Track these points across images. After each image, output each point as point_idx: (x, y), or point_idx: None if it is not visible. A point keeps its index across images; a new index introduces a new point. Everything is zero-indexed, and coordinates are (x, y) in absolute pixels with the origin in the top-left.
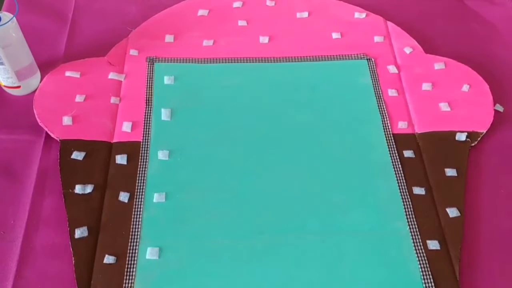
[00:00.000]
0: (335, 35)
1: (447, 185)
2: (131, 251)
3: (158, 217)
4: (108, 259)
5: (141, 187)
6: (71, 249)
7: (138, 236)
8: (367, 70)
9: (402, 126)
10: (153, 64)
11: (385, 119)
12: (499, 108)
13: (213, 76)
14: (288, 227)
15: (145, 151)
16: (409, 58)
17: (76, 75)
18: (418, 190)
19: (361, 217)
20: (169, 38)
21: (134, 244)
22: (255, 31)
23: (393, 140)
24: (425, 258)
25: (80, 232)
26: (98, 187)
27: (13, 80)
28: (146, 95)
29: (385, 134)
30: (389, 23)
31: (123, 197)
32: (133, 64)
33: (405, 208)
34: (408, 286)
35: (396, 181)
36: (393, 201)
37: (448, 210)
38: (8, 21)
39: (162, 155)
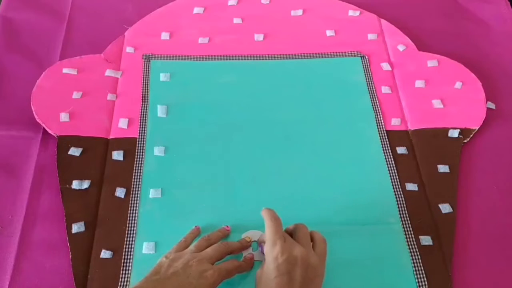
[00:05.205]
0: (329, 33)
1: (439, 181)
2: (127, 246)
3: (154, 213)
4: (105, 253)
5: (137, 183)
6: (68, 244)
7: (134, 231)
8: (361, 67)
9: (395, 123)
10: (149, 61)
11: (379, 116)
12: (491, 105)
13: (209, 73)
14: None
15: (141, 147)
16: (402, 56)
17: (73, 72)
18: (411, 186)
19: (354, 213)
20: (165, 36)
21: (131, 239)
22: (250, 28)
23: (386, 137)
24: (418, 253)
25: (77, 227)
26: (95, 183)
27: None
28: (142, 92)
29: (378, 131)
30: (383, 21)
31: (120, 192)
32: (130, 61)
33: (398, 204)
34: (401, 281)
35: (389, 177)
36: (386, 197)
37: (440, 206)
38: None
39: (158, 151)
